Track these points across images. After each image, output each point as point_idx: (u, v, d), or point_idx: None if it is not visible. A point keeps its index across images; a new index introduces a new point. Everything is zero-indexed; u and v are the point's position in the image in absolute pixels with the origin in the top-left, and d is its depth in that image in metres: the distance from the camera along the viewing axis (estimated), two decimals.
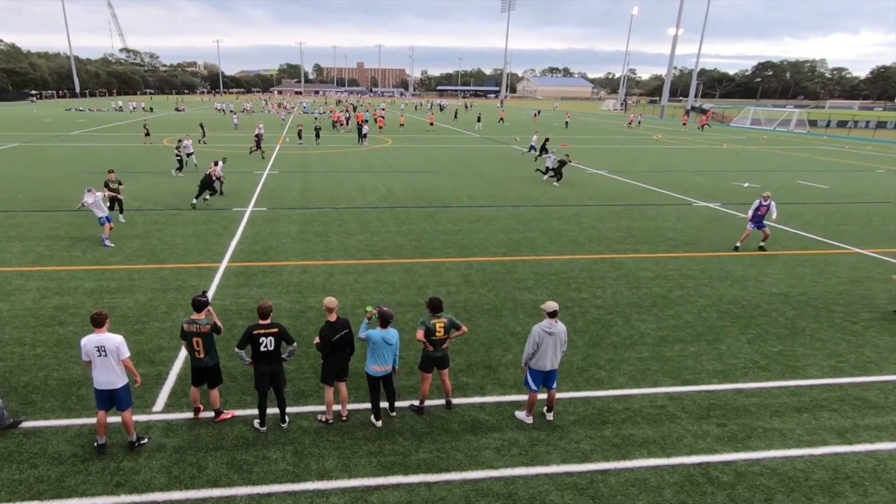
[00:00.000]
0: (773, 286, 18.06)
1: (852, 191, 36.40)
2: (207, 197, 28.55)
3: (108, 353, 9.08)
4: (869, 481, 9.13)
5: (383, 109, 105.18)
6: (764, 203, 21.72)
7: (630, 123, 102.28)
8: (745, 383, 12.10)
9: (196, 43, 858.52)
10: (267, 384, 9.95)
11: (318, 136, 59.22)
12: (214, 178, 29.06)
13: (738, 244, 22.24)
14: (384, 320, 10.10)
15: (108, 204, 22.21)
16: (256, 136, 47.68)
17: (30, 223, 23.80)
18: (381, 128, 75.35)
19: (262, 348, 9.67)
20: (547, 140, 47.09)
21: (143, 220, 24.53)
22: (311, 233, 23.02)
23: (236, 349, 9.75)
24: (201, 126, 60.05)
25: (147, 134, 55.84)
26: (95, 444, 9.55)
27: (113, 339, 9.13)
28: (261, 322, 9.72)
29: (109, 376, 9.20)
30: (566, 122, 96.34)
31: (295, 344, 10.00)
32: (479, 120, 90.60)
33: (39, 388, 11.35)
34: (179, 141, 38.48)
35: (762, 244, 22.23)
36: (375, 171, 40.21)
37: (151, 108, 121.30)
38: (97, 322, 9.15)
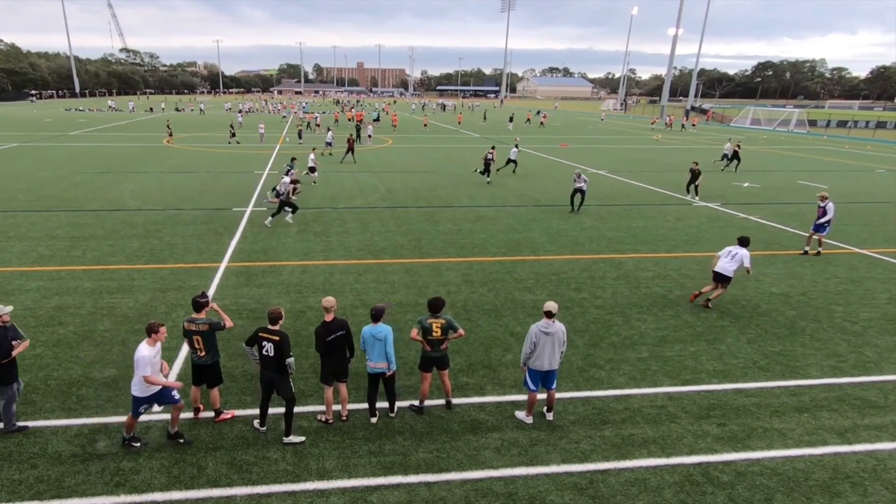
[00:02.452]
0: (772, 286, 18.05)
1: (852, 191, 36.27)
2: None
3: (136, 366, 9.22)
4: (869, 481, 9.11)
5: (384, 110, 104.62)
6: (820, 205, 21.47)
7: (654, 123, 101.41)
8: (744, 383, 12.09)
9: (195, 43, 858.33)
10: (267, 388, 9.93)
11: (299, 136, 59.12)
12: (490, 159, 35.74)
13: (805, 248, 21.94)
14: (373, 316, 10.10)
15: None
16: (349, 139, 45.41)
17: (30, 223, 23.77)
18: (395, 126, 76.01)
19: (263, 352, 9.66)
20: (738, 145, 45.50)
21: (143, 220, 24.51)
22: (310, 233, 23.02)
23: (245, 345, 9.78)
24: (231, 126, 59.89)
25: (171, 134, 55.46)
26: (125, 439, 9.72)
27: (138, 351, 9.12)
28: (269, 326, 9.68)
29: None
30: (541, 123, 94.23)
31: (292, 359, 9.76)
32: (511, 120, 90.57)
33: (39, 389, 11.33)
34: (293, 160, 31.10)
35: (818, 249, 21.71)
36: (375, 170, 40.22)
37: (151, 109, 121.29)
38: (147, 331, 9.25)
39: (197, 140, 57.18)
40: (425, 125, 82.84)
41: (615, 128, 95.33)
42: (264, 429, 10.11)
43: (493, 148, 37.97)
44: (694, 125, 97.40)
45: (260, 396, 10.09)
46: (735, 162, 44.39)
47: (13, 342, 9.73)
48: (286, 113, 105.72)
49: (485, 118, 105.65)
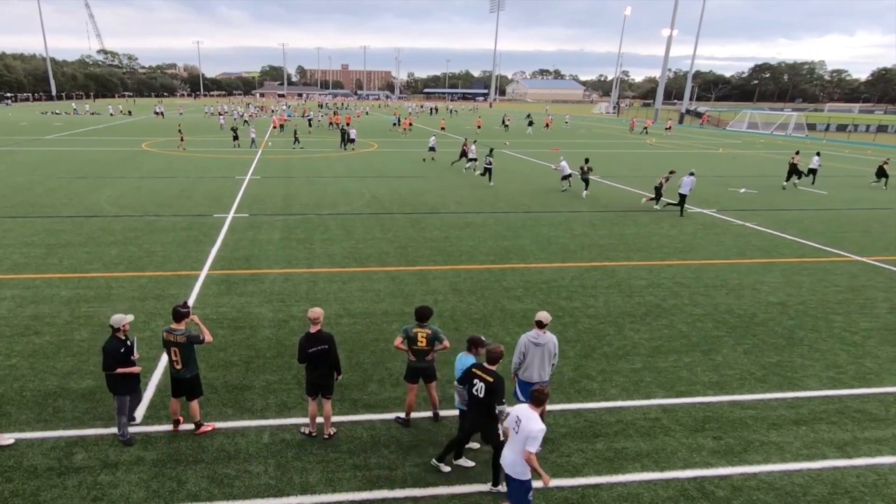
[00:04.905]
0: (770, 295, 17.85)
1: (852, 196, 36.01)
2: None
3: None
4: (869, 496, 8.97)
5: (395, 115, 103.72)
6: None
7: (647, 126, 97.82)
8: (741, 395, 11.92)
9: (174, 44, 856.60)
10: (469, 428, 9.36)
11: (296, 139, 58.53)
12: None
13: None
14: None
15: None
16: (464, 145, 44.77)
17: (4, 230, 23.35)
18: (404, 130, 78.18)
19: (473, 391, 9.01)
20: (886, 162, 42.21)
21: (121, 226, 24.13)
22: (293, 240, 22.72)
23: (457, 383, 9.40)
24: (234, 130, 60.01)
25: (182, 139, 54.78)
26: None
27: (534, 422, 7.74)
28: (485, 364, 9.09)
29: None
30: (504, 122, 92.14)
31: (504, 407, 8.88)
32: (530, 124, 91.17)
33: (14, 400, 11.10)
34: (561, 161, 34.51)
35: None
36: (360, 175, 39.94)
37: (130, 112, 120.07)
38: None
39: (175, 144, 56.50)
40: (443, 128, 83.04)
41: (608, 132, 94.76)
42: (472, 464, 9.58)
43: (797, 153, 40.41)
44: (669, 129, 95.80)
45: (457, 435, 9.54)
46: (883, 178, 41.59)
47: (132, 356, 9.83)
48: (236, 115, 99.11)
49: (503, 123, 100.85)
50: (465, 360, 9.53)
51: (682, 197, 29.12)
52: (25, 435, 9.99)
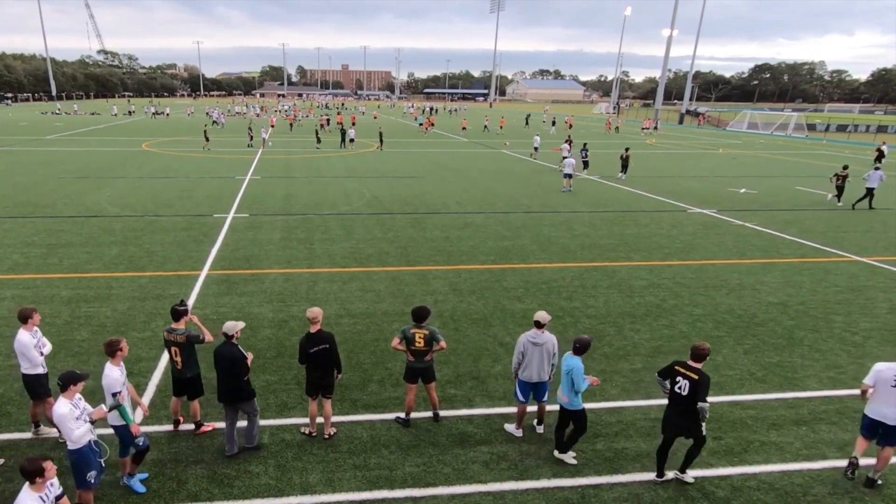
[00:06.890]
0: (770, 295, 17.78)
1: (852, 197, 35.81)
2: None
3: None
4: (869, 496, 8.95)
5: (413, 116, 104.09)
6: None
7: (645, 128, 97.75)
8: (741, 395, 11.89)
9: (174, 44, 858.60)
10: (671, 433, 9.21)
11: (318, 139, 58.95)
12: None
13: None
14: (575, 348, 9.44)
15: None
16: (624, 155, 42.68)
17: (4, 230, 23.35)
18: (425, 130, 79.97)
19: (676, 388, 8.91)
20: None
21: (122, 226, 24.12)
22: (294, 240, 22.71)
23: (658, 375, 9.29)
24: (249, 129, 60.91)
25: (207, 139, 54.74)
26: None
27: None
28: (689, 362, 8.92)
29: None
30: (484, 126, 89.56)
31: (706, 405, 8.72)
32: (553, 124, 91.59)
33: (15, 400, 11.09)
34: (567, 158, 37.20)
35: None
36: (360, 176, 39.95)
37: (130, 112, 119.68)
38: None
39: (175, 145, 56.59)
40: (464, 128, 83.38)
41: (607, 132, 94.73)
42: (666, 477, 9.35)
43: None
44: (647, 128, 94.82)
45: (660, 440, 9.38)
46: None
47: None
48: (217, 117, 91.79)
49: (527, 123, 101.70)
50: (571, 361, 9.34)
51: (870, 191, 31.23)
52: (25, 435, 9.97)
